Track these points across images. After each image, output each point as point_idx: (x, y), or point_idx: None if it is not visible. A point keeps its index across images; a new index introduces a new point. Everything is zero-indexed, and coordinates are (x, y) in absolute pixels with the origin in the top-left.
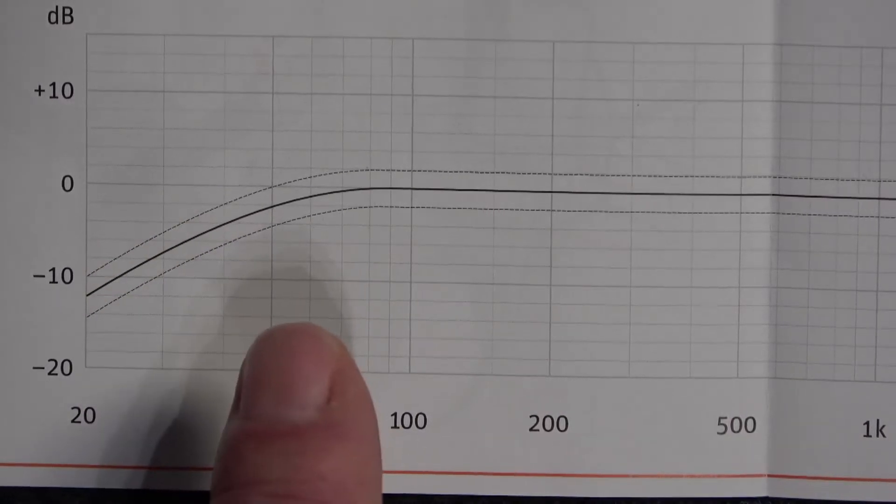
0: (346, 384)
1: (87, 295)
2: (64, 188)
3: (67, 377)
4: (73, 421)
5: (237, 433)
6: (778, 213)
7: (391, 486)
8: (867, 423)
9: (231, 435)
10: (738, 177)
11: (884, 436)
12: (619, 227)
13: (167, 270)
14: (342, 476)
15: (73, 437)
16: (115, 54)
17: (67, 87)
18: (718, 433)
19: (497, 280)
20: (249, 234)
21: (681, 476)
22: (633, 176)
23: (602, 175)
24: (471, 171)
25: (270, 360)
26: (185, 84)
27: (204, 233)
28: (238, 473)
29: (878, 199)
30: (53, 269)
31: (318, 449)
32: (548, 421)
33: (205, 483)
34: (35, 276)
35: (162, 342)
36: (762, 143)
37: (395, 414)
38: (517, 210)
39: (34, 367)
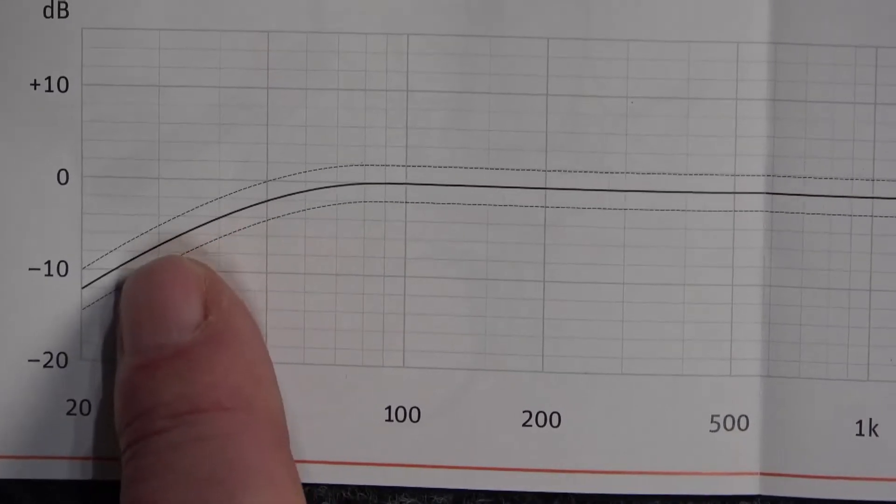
0: (219, 297)
1: (83, 287)
2: (59, 181)
3: (63, 370)
4: (68, 413)
5: (126, 371)
6: (771, 212)
7: (384, 478)
8: (860, 422)
9: (121, 374)
10: (732, 175)
11: (876, 435)
12: (612, 224)
13: None
14: (235, 379)
15: (69, 429)
16: (111, 48)
17: (63, 81)
18: (711, 431)
19: (491, 275)
20: (244, 228)
21: (673, 473)
22: (627, 173)
23: (596, 172)
24: (465, 167)
25: (141, 298)
26: (181, 78)
27: (199, 226)
28: (136, 405)
29: (872, 198)
30: (49, 262)
31: (205, 361)
32: (541, 416)
33: None
34: (30, 268)
35: None
36: (756, 142)
37: (389, 407)
38: (511, 206)
39: (29, 360)
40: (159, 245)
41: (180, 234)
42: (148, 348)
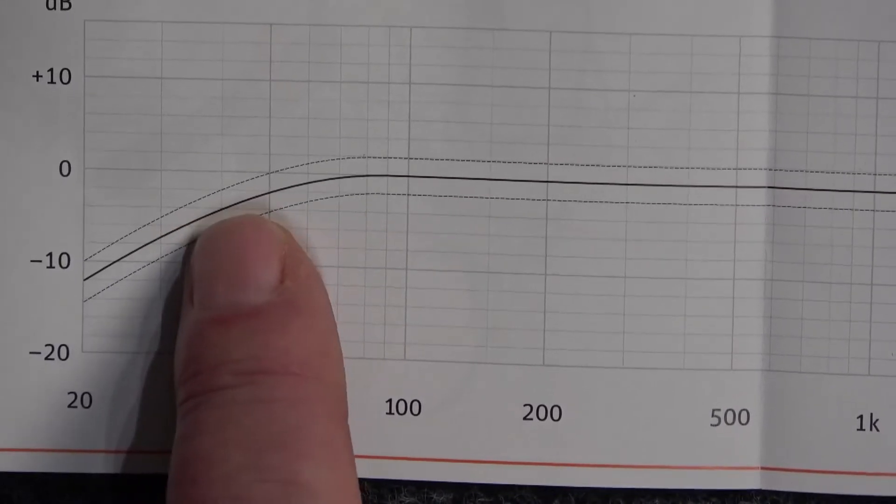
0: (297, 266)
1: (84, 279)
2: (62, 173)
3: (64, 362)
4: (69, 406)
5: (198, 322)
6: (773, 206)
7: (385, 471)
8: (860, 417)
9: (191, 325)
10: (734, 169)
11: (877, 429)
12: (614, 218)
13: (164, 255)
14: (306, 349)
15: (70, 421)
16: (113, 41)
17: (65, 73)
18: (712, 425)
19: (492, 268)
20: None
21: (674, 467)
22: (629, 167)
23: (598, 165)
24: (467, 160)
25: (220, 253)
26: (183, 71)
27: (201, 218)
28: (205, 357)
29: (874, 192)
30: (50, 254)
31: (279, 325)
32: (541, 410)
33: None
34: (32, 260)
35: (159, 327)
36: (758, 136)
37: (389, 400)
38: (513, 199)
39: (31, 352)
40: (161, 237)
41: (183, 226)
42: (223, 304)
